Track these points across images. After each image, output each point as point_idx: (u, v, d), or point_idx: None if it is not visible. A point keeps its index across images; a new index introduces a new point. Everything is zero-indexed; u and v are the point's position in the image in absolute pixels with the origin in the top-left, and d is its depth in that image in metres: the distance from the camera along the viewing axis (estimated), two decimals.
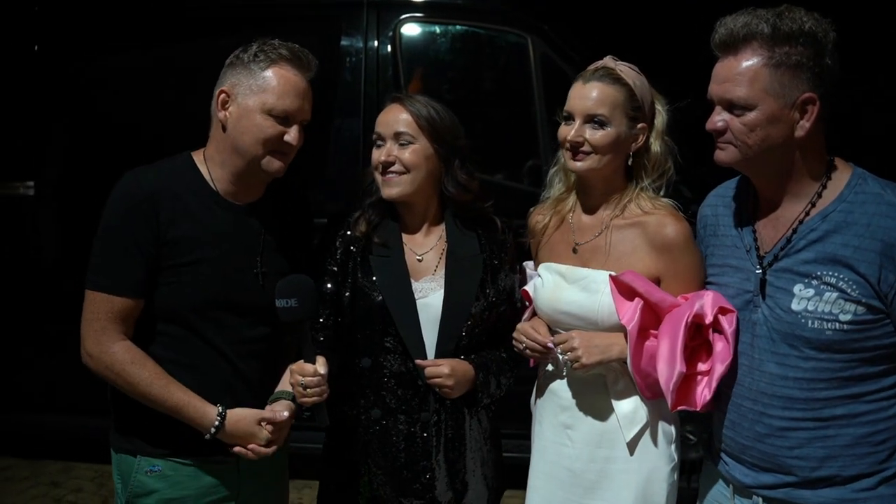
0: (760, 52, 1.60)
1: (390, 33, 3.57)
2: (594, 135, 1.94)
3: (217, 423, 1.89)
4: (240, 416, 1.92)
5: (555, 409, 2.09)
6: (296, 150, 1.97)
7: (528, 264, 2.23)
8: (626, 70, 1.99)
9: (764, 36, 1.59)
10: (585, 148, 1.95)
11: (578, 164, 1.97)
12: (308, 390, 1.85)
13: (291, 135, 1.91)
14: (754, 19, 1.61)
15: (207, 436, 1.89)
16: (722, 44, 1.65)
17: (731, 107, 1.65)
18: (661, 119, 2.01)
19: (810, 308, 1.64)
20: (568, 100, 1.99)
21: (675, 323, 1.80)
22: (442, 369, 2.00)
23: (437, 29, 3.71)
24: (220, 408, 1.90)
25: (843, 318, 1.61)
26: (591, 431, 2.02)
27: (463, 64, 3.78)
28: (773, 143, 1.63)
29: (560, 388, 2.08)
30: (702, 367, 1.83)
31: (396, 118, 2.06)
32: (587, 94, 1.96)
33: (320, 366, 1.86)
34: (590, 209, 2.07)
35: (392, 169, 2.04)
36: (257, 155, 1.90)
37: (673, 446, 2.00)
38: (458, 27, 3.69)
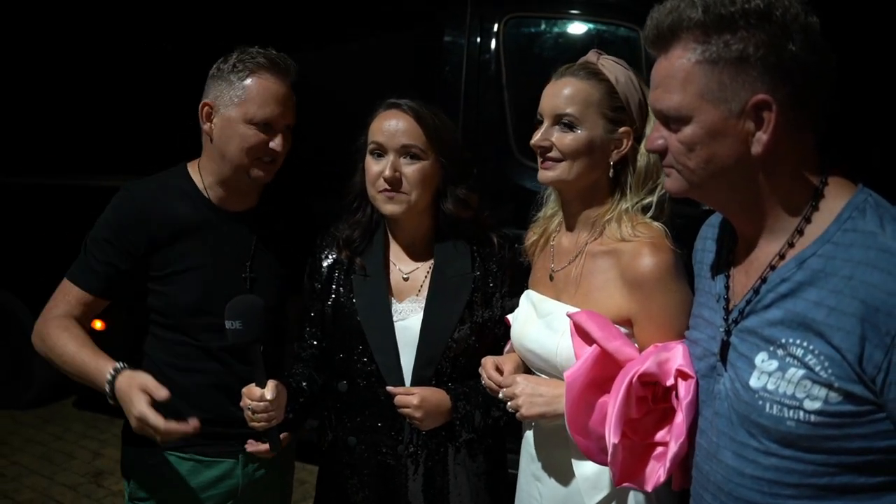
0: (692, 45, 1.19)
1: (494, 28, 3.36)
2: (563, 138, 1.66)
3: (109, 378, 1.78)
4: (129, 376, 1.77)
5: (528, 457, 1.84)
6: (283, 157, 1.97)
7: None
8: (608, 64, 1.68)
9: (695, 23, 1.18)
10: (554, 154, 1.67)
11: (547, 173, 1.69)
12: (255, 415, 1.77)
13: (276, 142, 1.90)
14: (682, 3, 1.20)
15: (110, 401, 1.79)
16: (650, 42, 1.26)
17: (667, 120, 1.26)
18: (652, 123, 1.65)
19: (769, 387, 1.21)
20: (541, 99, 1.72)
21: (621, 381, 1.47)
22: (410, 399, 1.83)
23: (543, 23, 3.43)
24: (119, 364, 1.80)
25: (808, 405, 1.16)
26: (557, 490, 1.74)
27: (569, 60, 3.46)
28: (722, 165, 1.22)
29: (529, 435, 1.82)
30: (664, 436, 1.48)
31: (401, 128, 1.86)
32: (557, 92, 1.67)
33: (268, 391, 1.75)
34: (570, 230, 1.78)
35: (399, 188, 1.85)
36: (243, 164, 1.91)
37: None
38: (564, 21, 3.37)
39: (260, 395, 1.75)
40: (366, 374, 1.93)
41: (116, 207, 1.96)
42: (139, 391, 1.72)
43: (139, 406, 1.70)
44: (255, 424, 1.79)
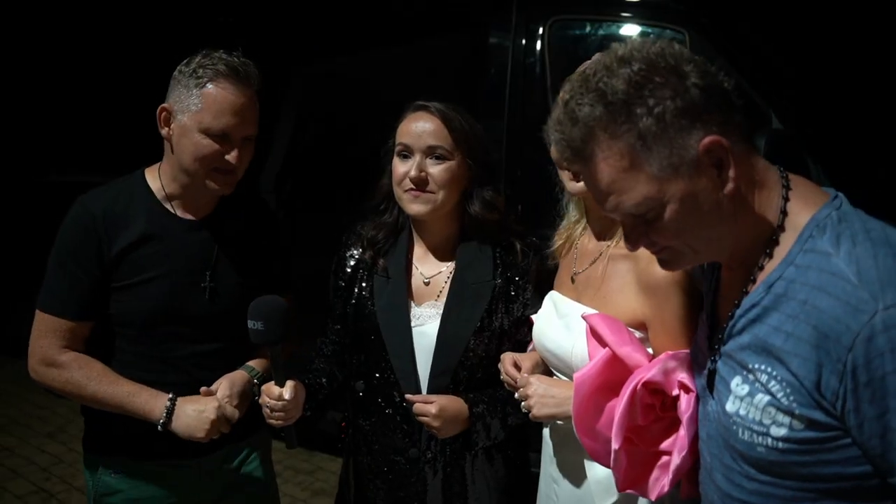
0: (610, 142, 1.13)
1: (539, 30, 3.35)
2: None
3: (168, 405, 1.84)
4: (191, 399, 1.86)
5: (547, 458, 1.85)
6: (244, 167, 1.89)
7: None
8: None
9: (603, 120, 1.12)
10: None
11: (576, 185, 1.67)
12: (273, 413, 1.80)
13: (232, 154, 1.82)
14: (576, 109, 1.14)
15: (159, 426, 1.83)
16: (571, 161, 1.19)
17: (639, 219, 1.19)
18: None
19: (741, 412, 1.18)
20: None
21: (627, 386, 1.45)
22: (429, 408, 1.82)
23: (588, 25, 3.40)
24: (171, 394, 1.85)
25: (775, 432, 1.13)
26: (572, 492, 1.74)
27: None
28: (711, 221, 1.16)
29: (547, 437, 1.82)
30: (669, 445, 1.45)
31: (428, 129, 1.85)
32: None
33: (287, 391, 1.78)
34: (595, 234, 1.77)
35: (426, 188, 1.86)
36: (198, 173, 1.84)
37: None
38: (609, 23, 3.33)
39: (279, 395, 1.78)
40: (383, 377, 1.93)
41: (71, 224, 1.89)
42: (203, 401, 1.86)
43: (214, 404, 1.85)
44: (273, 422, 1.82)
